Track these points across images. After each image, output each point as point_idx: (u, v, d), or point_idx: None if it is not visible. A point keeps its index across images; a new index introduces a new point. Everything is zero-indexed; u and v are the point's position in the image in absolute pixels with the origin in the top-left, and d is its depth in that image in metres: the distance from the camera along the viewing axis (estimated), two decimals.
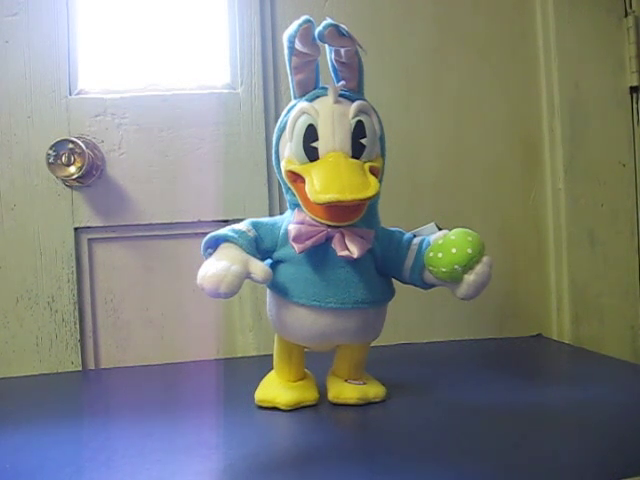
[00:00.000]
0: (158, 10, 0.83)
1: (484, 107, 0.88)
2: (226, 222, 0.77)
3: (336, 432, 0.49)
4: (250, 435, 0.48)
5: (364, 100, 0.52)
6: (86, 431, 0.53)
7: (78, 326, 0.79)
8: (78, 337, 0.79)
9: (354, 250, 0.49)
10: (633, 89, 0.89)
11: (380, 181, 0.52)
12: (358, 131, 0.50)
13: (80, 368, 0.78)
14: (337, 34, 0.47)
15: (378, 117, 0.53)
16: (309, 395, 0.55)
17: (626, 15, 0.89)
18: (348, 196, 0.46)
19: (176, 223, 0.81)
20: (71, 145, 0.74)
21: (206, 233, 0.50)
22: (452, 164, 0.87)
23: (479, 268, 0.50)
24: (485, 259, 0.50)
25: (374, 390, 0.56)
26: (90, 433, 0.52)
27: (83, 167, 0.74)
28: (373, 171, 0.50)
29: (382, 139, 0.54)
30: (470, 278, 0.50)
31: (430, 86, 0.87)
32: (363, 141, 0.50)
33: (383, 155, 0.54)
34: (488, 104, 0.88)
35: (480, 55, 0.88)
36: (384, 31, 0.85)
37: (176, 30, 0.84)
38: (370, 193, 0.47)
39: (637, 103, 0.89)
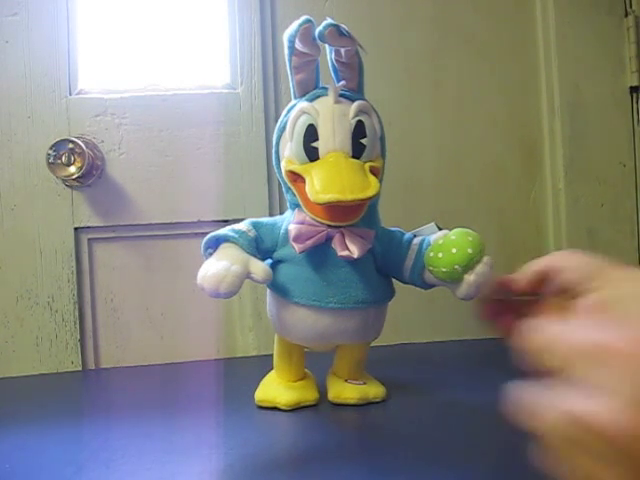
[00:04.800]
0: (158, 10, 0.83)
1: (484, 107, 0.88)
2: (226, 222, 0.77)
3: (336, 432, 0.49)
4: (250, 435, 0.48)
5: (364, 100, 0.52)
6: (86, 431, 0.53)
7: (78, 326, 0.79)
8: (78, 337, 0.79)
9: (354, 250, 0.49)
10: (633, 89, 0.89)
11: (380, 181, 0.52)
12: (358, 131, 0.50)
13: (80, 368, 0.79)
14: (337, 34, 0.47)
15: (378, 117, 0.53)
16: (309, 395, 0.55)
17: (626, 15, 0.89)
18: (348, 196, 0.46)
19: (176, 223, 0.81)
20: (71, 145, 0.74)
21: (206, 233, 0.50)
22: (452, 164, 0.87)
23: (479, 268, 0.50)
24: (486, 259, 0.50)
25: (374, 390, 0.56)
26: (90, 433, 0.52)
27: (83, 167, 0.74)
28: (373, 171, 0.50)
29: (382, 139, 0.54)
30: (470, 278, 0.50)
31: (430, 86, 0.87)
32: (363, 141, 0.50)
33: (383, 155, 0.54)
34: (488, 104, 0.88)
35: (480, 55, 0.88)
36: (384, 31, 0.85)
37: (176, 30, 0.84)
38: (370, 193, 0.47)
39: (637, 103, 0.89)
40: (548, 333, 0.26)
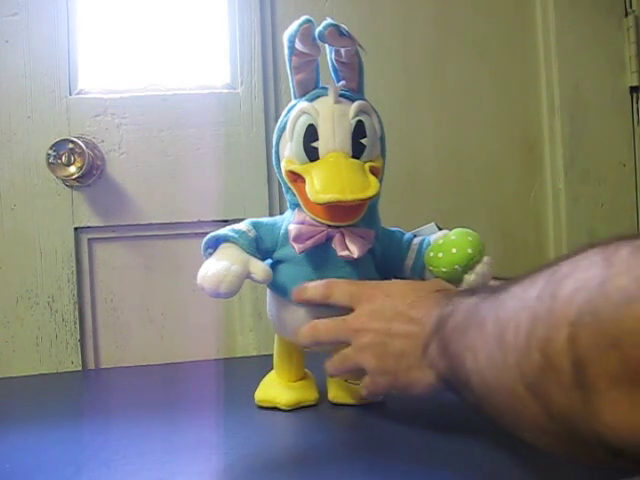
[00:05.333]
0: (158, 10, 0.83)
1: (484, 107, 0.88)
2: (226, 222, 0.77)
3: (336, 432, 0.49)
4: (250, 435, 0.48)
5: (364, 100, 0.52)
6: (86, 431, 0.52)
7: (78, 326, 0.79)
8: (78, 337, 0.79)
9: (354, 250, 0.49)
10: (633, 89, 0.89)
11: (380, 181, 0.52)
12: (358, 131, 0.50)
13: (80, 368, 0.79)
14: (337, 34, 0.47)
15: (378, 117, 0.53)
16: (309, 395, 0.55)
17: (626, 15, 0.89)
18: (349, 196, 0.46)
19: (176, 223, 0.81)
20: (71, 145, 0.74)
21: (206, 233, 0.50)
22: (452, 164, 0.87)
23: (479, 268, 0.50)
24: (486, 259, 0.50)
25: None
26: (90, 433, 0.52)
27: (83, 167, 0.74)
28: (373, 171, 0.50)
29: (382, 139, 0.54)
30: (470, 278, 0.50)
31: (430, 86, 0.87)
32: (363, 141, 0.50)
33: (383, 155, 0.54)
34: (488, 104, 0.88)
35: (480, 55, 0.88)
36: (384, 31, 0.85)
37: (176, 30, 0.84)
38: (370, 193, 0.47)
39: (637, 103, 0.89)
40: (342, 285, 0.49)
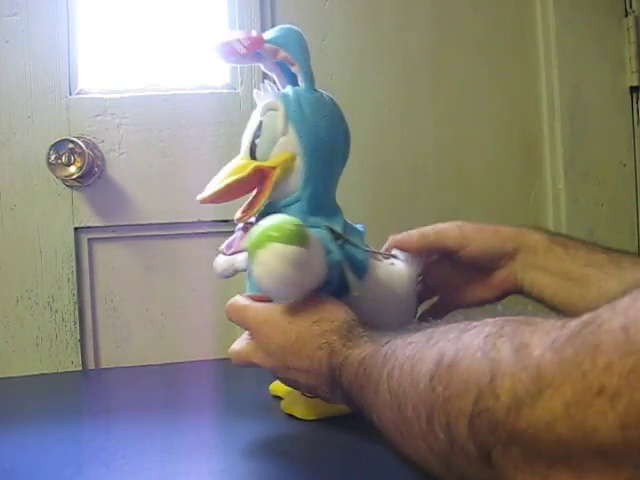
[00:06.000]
0: (158, 10, 0.83)
1: (484, 107, 0.88)
2: (226, 222, 0.77)
3: (336, 432, 0.49)
4: (250, 435, 0.48)
5: (276, 98, 0.49)
6: (86, 431, 0.53)
7: (78, 326, 0.79)
8: (78, 337, 0.79)
9: (239, 245, 0.51)
10: (633, 89, 0.89)
11: (308, 178, 0.49)
12: (256, 131, 0.50)
13: (80, 368, 0.79)
14: (229, 53, 0.48)
15: (299, 112, 0.49)
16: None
17: (626, 15, 0.89)
18: (201, 197, 0.50)
19: (176, 223, 0.81)
20: (71, 145, 0.74)
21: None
22: (452, 164, 0.87)
23: (260, 257, 0.41)
24: (270, 246, 0.41)
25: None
26: (90, 433, 0.52)
27: (83, 167, 0.74)
28: (262, 172, 0.49)
29: (301, 134, 0.49)
30: (253, 270, 0.42)
31: (430, 86, 0.87)
32: (256, 141, 0.50)
33: (309, 151, 0.49)
34: (488, 104, 0.88)
35: (480, 55, 0.88)
36: (384, 31, 0.85)
37: (176, 30, 0.84)
38: (203, 196, 0.50)
39: (637, 103, 0.89)
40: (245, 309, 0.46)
